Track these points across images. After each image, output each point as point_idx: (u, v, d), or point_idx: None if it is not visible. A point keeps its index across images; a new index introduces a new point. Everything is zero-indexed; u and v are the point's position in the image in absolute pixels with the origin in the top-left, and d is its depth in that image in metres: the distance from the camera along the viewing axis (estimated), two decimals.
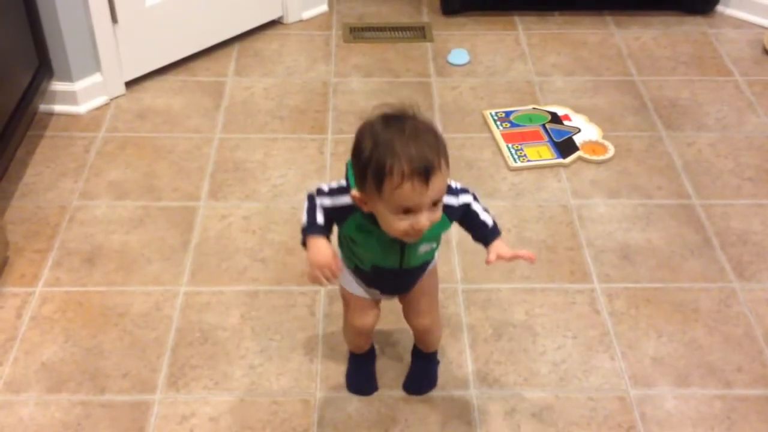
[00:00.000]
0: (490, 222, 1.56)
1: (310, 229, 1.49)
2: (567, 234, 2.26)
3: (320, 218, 1.49)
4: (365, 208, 1.43)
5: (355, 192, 1.42)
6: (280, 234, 2.23)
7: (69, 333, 1.96)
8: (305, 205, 1.52)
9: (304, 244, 1.50)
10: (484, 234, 1.56)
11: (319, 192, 1.52)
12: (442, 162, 1.35)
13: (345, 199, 1.48)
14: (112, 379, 1.86)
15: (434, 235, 1.53)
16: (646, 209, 2.34)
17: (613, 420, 1.80)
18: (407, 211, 1.36)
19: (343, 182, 1.51)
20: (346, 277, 1.65)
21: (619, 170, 2.48)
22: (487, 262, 1.54)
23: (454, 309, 2.03)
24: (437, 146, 1.35)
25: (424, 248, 1.56)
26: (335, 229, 1.55)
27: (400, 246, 1.51)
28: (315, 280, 1.47)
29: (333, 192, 1.51)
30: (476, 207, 1.56)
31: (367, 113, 1.40)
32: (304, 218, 1.50)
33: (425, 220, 1.37)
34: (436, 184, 1.34)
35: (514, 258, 1.53)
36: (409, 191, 1.33)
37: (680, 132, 2.63)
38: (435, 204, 1.38)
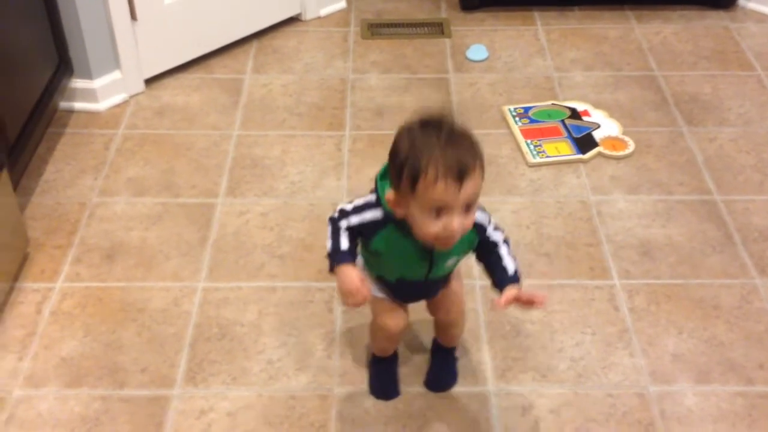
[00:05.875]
0: (511, 269, 1.54)
1: (336, 257, 1.50)
2: (586, 230, 2.24)
3: (344, 242, 1.51)
4: (399, 213, 1.44)
5: (389, 194, 1.43)
6: (298, 230, 2.24)
7: (88, 328, 1.97)
8: (329, 229, 1.54)
9: (331, 270, 1.52)
10: (503, 279, 1.54)
11: (342, 213, 1.53)
12: (477, 166, 1.37)
13: (373, 214, 1.50)
14: (131, 374, 1.87)
15: (463, 249, 1.54)
16: (667, 205, 2.32)
17: (632, 417, 1.78)
18: (439, 211, 1.37)
19: (370, 197, 1.52)
20: (372, 283, 1.65)
21: (639, 166, 2.46)
22: (494, 304, 1.50)
23: (472, 305, 2.02)
24: (473, 150, 1.38)
25: (451, 262, 1.57)
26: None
27: (429, 257, 1.51)
28: (348, 306, 1.53)
29: (358, 209, 1.51)
30: (503, 250, 1.56)
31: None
32: (329, 244, 1.52)
33: (457, 223, 1.38)
34: (470, 186, 1.36)
35: (527, 301, 1.50)
36: (442, 190, 1.35)
37: (701, 127, 2.61)
38: (468, 209, 1.39)
